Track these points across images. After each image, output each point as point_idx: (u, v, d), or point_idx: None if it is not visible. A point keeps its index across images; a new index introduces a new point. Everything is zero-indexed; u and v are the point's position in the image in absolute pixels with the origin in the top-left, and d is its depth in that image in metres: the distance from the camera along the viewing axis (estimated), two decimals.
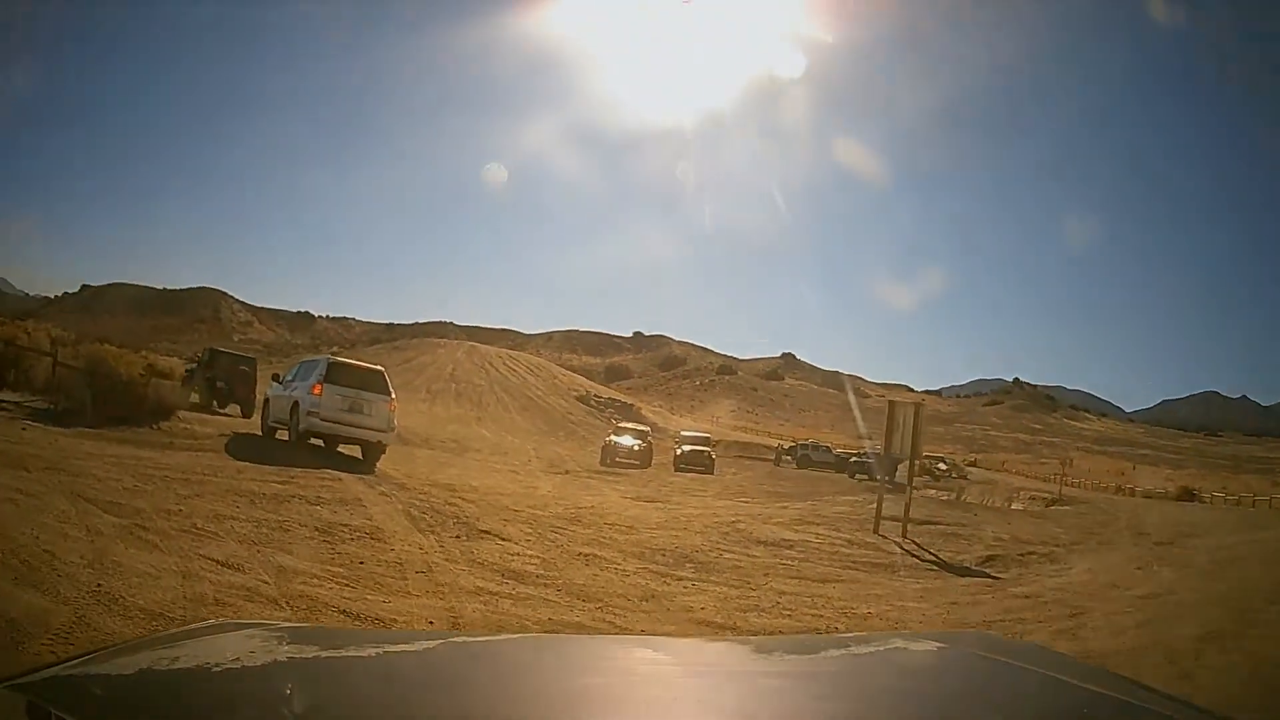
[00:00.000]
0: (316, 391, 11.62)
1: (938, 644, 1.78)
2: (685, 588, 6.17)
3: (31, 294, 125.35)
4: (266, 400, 13.72)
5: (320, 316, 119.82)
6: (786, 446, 39.70)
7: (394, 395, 12.25)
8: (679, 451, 24.84)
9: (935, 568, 8.54)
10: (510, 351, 60.51)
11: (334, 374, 11.95)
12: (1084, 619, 6.00)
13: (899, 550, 9.23)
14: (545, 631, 4.34)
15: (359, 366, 12.99)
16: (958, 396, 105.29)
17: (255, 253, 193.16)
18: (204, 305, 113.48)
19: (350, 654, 1.47)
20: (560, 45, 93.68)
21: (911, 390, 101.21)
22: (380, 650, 1.51)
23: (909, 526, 10.40)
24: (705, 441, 27.01)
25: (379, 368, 13.06)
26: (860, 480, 30.39)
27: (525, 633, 4.08)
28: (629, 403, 46.22)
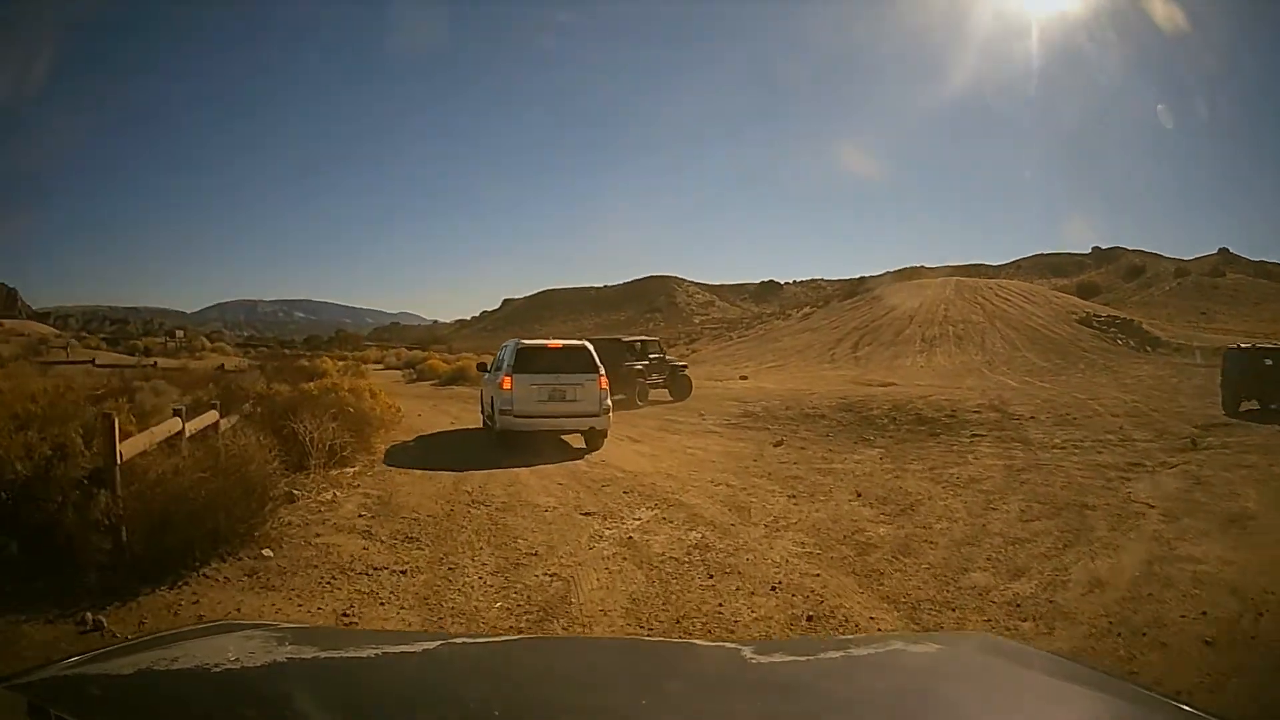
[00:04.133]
0: (506, 385, 10.30)
1: (938, 646, 1.67)
2: None
3: (444, 320, 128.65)
4: (481, 390, 12.87)
5: (787, 283, 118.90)
6: None
7: (603, 371, 10.65)
8: None
9: None
10: (1001, 281, 54.66)
11: (524, 361, 10.50)
12: None
13: None
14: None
15: (555, 346, 11.03)
16: None
17: (708, 237, 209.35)
18: (657, 294, 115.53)
19: (350, 655, 1.46)
20: None
21: None
22: (379, 651, 1.50)
23: None
24: None
25: (582, 342, 11.18)
26: None
27: (524, 634, 3.84)
28: (1129, 318, 39.33)
